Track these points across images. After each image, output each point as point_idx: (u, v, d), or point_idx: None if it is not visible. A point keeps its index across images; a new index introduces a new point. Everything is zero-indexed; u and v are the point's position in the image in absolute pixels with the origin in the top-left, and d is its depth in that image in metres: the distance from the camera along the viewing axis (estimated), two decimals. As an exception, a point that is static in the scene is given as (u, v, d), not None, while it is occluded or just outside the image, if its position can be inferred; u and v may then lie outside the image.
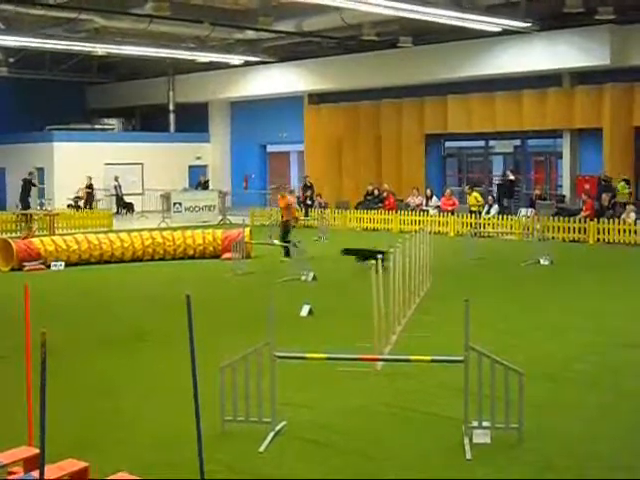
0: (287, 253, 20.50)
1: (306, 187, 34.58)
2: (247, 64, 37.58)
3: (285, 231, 21.86)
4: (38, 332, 5.16)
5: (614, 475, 7.02)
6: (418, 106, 34.91)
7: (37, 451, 6.18)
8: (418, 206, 31.94)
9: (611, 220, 25.99)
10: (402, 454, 7.55)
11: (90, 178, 36.55)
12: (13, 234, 27.94)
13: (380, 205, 32.58)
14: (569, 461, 7.32)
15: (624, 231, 25.51)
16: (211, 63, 37.62)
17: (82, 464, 6.41)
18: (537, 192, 30.44)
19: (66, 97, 43.93)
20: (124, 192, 38.51)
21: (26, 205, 33.39)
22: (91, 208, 35.54)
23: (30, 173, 35.95)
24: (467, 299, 7.54)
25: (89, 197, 36.43)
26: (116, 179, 38.20)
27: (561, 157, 32.12)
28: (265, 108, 40.49)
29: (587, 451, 7.58)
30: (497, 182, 33.54)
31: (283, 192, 23.01)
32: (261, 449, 7.60)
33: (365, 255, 18.69)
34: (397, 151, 35.74)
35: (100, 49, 33.60)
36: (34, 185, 35.78)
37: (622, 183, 27.96)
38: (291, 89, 37.94)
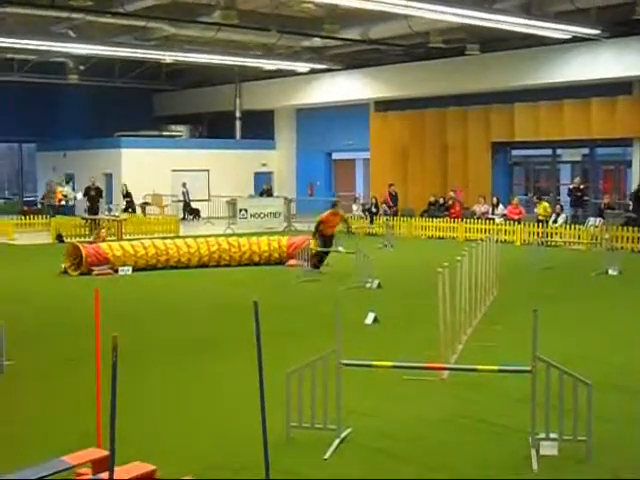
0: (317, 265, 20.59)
1: (391, 196, 34.58)
2: (313, 71, 37.73)
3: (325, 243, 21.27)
4: (108, 336, 5.23)
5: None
6: (484, 114, 34.71)
7: (106, 453, 6.26)
8: (484, 214, 31.71)
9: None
10: (467, 465, 7.48)
11: (126, 186, 36.49)
12: (82, 239, 28.35)
13: (446, 213, 32.44)
14: (639, 477, 7.19)
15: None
16: (277, 70, 37.86)
17: (149, 467, 6.47)
18: (606, 201, 30.01)
19: (135, 104, 44.59)
20: (191, 198, 38.91)
21: (94, 212, 33.54)
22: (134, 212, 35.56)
23: (93, 184, 36.10)
24: (536, 309, 7.46)
25: (129, 205, 36.17)
26: (184, 185, 38.60)
27: (630, 166, 31.64)
28: (331, 115, 40.60)
29: (636, 459, 7.45)
30: (567, 190, 33.06)
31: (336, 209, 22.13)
32: (326, 456, 7.60)
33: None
34: (463, 159, 35.57)
35: (168, 57, 34.07)
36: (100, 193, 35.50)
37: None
38: (357, 96, 37.99)
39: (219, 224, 34.48)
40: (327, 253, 20.80)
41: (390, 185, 35.15)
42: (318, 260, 20.58)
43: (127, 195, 36.25)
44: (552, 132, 32.42)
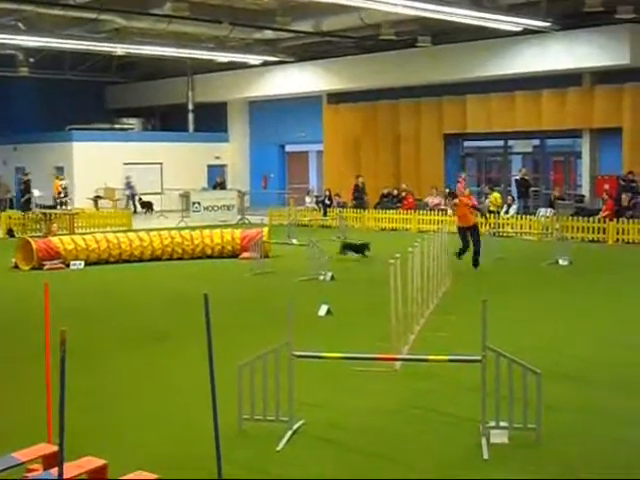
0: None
1: (357, 188, 34.46)
2: (265, 64, 37.67)
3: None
4: (57, 331, 5.19)
5: (633, 476, 7.00)
6: (437, 106, 34.88)
7: (56, 448, 6.21)
8: (437, 205, 31.89)
9: (631, 220, 25.89)
10: (419, 454, 7.55)
11: (61, 179, 36.10)
12: (33, 233, 28.08)
13: (399, 205, 32.57)
14: (588, 464, 7.29)
15: (643, 231, 25.41)
16: (230, 63, 37.75)
17: (101, 462, 6.43)
18: (556, 192, 30.32)
19: (86, 97, 44.13)
20: (143, 192, 38.62)
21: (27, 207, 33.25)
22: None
23: (25, 174, 36.04)
24: (485, 299, 7.53)
25: (61, 198, 35.27)
26: (127, 178, 38.26)
27: (580, 157, 32.01)
28: (283, 108, 40.54)
29: (606, 455, 7.54)
30: (515, 181, 33.33)
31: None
32: (278, 448, 7.62)
33: (354, 248, 21.46)
34: (416, 150, 35.72)
35: (120, 49, 33.80)
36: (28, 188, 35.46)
37: None
38: (309, 89, 37.97)
39: (172, 217, 34.31)
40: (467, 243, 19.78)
41: (357, 177, 35.11)
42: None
43: (64, 189, 35.70)
44: (504, 123, 32.66)
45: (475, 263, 19.44)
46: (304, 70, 37.82)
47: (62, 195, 35.08)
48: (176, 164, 40.75)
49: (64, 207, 33.80)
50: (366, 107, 37.35)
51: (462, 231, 19.70)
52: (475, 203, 20.59)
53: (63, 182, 35.77)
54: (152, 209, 38.60)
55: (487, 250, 21.30)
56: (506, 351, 7.73)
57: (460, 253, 19.62)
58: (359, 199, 34.09)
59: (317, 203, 35.28)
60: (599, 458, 7.43)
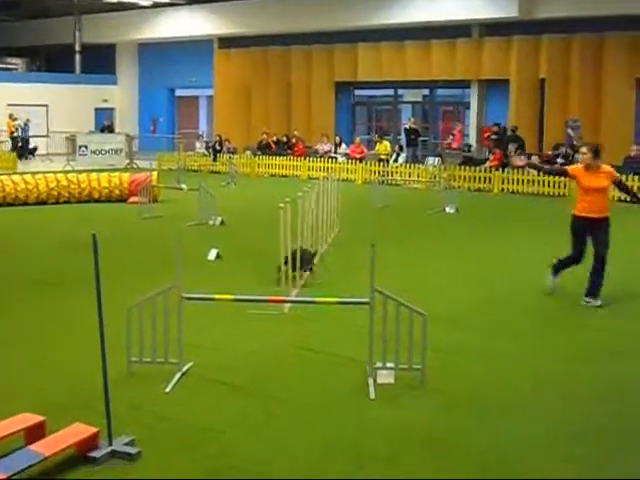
0: None
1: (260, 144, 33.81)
2: (156, 5, 37.03)
3: None
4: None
5: (510, 413, 7.26)
6: (328, 53, 34.86)
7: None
8: (327, 153, 32.02)
9: (516, 170, 26.50)
10: (307, 395, 7.66)
11: None
12: None
13: (289, 152, 32.59)
14: (469, 401, 7.55)
15: (527, 181, 26.06)
16: (119, 3, 36.91)
17: (38, 418, 6.34)
18: (447, 142, 30.80)
19: (-33, 35, 42.64)
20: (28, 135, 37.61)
21: None
22: None
23: None
24: (373, 244, 7.64)
25: None
26: (25, 121, 37.06)
27: (468, 107, 32.51)
28: (174, 51, 39.92)
29: (486, 392, 7.80)
30: (403, 130, 33.69)
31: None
32: (167, 390, 7.64)
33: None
34: (307, 98, 35.69)
35: (3, -15, 32.66)
36: None
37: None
38: (200, 32, 37.45)
39: (58, 161, 33.59)
40: None
41: (264, 133, 34.52)
42: None
43: None
44: (394, 73, 32.88)
45: (593, 292, 11.11)
46: (195, 13, 37.26)
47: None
48: (62, 107, 39.72)
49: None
50: (257, 53, 37.08)
51: (581, 225, 11.12)
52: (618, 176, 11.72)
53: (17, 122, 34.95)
54: (34, 154, 37.50)
55: (375, 198, 21.59)
56: (393, 294, 7.88)
57: (563, 265, 11.60)
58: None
59: (207, 148, 35.02)
60: (479, 395, 7.68)
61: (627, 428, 7.03)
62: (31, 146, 37.71)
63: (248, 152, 33.19)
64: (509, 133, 29.22)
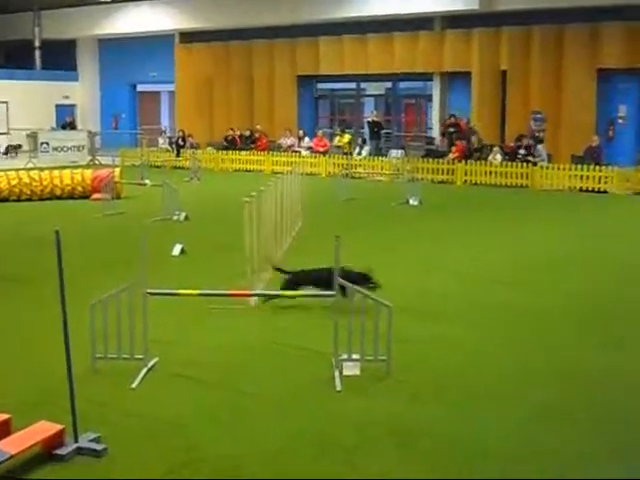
0: None
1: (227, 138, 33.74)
2: (116, 0, 36.68)
3: None
4: None
5: (476, 402, 7.32)
6: (290, 47, 34.78)
7: None
8: (290, 147, 32.01)
9: (478, 162, 26.68)
10: (274, 388, 7.66)
11: None
12: None
13: (252, 146, 32.54)
14: (435, 391, 7.59)
15: (490, 173, 26.25)
16: (79, -1, 36.60)
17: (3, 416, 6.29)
18: (408, 134, 30.89)
19: None
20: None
21: None
22: None
23: None
24: (338, 236, 7.66)
25: None
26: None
27: (431, 100, 32.60)
28: (135, 47, 39.66)
29: (453, 382, 7.85)
30: (366, 123, 33.75)
31: None
32: (133, 385, 7.61)
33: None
34: (269, 92, 35.61)
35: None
36: None
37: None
38: (161, 27, 37.22)
39: (19, 158, 33.30)
40: None
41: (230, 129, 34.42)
42: None
43: None
44: (356, 66, 32.90)
45: None
46: (156, 8, 37.06)
47: None
48: (23, 103, 39.28)
49: None
50: (219, 47, 36.94)
51: None
52: None
53: None
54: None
55: (339, 191, 21.63)
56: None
57: None
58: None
59: (170, 144, 34.87)
60: (446, 385, 7.73)
61: (588, 409, 7.12)
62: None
63: (209, 148, 33.16)
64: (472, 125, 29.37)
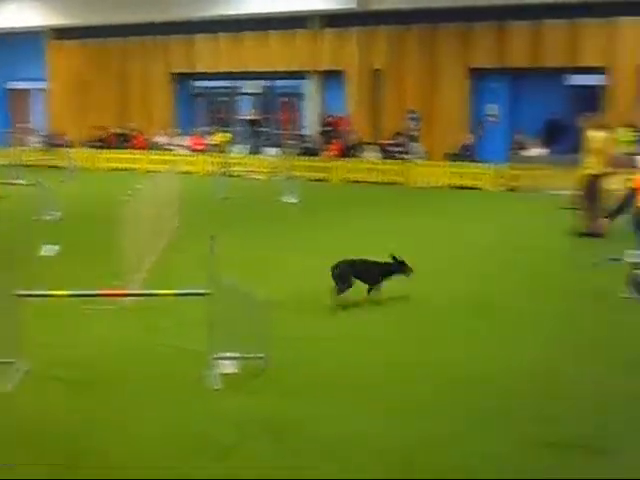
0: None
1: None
2: (-18, -4, 35.67)
3: None
4: None
5: (357, 396, 7.45)
6: (165, 45, 34.43)
7: None
8: (166, 145, 31.75)
9: (354, 159, 27.00)
10: (151, 388, 7.63)
11: None
12: None
13: (127, 144, 32.17)
14: (313, 387, 7.69)
15: (366, 170, 26.59)
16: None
17: None
18: (284, 132, 31.03)
19: None
20: None
21: None
22: None
23: None
24: (213, 235, 7.68)
25: None
26: None
27: (304, 99, 32.75)
28: (3, 44, 38.55)
29: (333, 377, 7.97)
30: (243, 120, 33.73)
31: None
32: (7, 389, 7.47)
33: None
34: (145, 89, 35.18)
35: None
36: None
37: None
38: (30, 23, 36.28)
39: None
40: None
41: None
42: None
43: None
44: (233, 64, 32.81)
45: None
46: (24, 4, 36.10)
47: None
48: None
49: None
50: (93, 44, 36.24)
51: None
52: None
53: None
54: None
55: (216, 189, 21.59)
56: (237, 284, 7.94)
57: None
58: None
59: (43, 143, 34.13)
60: (324, 381, 7.86)
61: (482, 407, 7.33)
62: None
63: (83, 147, 32.64)
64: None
